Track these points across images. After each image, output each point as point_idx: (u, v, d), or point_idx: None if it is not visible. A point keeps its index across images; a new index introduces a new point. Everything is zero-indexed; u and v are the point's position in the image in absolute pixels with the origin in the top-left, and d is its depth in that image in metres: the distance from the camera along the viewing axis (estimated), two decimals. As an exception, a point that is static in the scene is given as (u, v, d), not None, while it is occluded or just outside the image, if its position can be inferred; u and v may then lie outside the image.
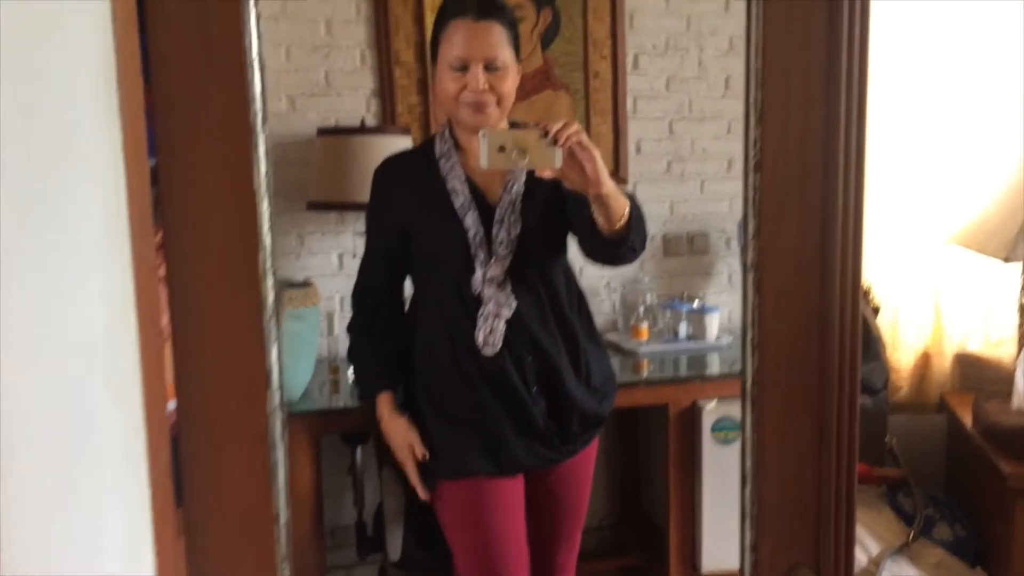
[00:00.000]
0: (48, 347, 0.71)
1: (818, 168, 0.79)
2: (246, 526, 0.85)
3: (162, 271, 0.83)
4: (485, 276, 1.82)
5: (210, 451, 0.83)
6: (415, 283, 1.98)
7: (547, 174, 1.59)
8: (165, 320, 0.86)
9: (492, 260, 1.82)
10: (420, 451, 1.90)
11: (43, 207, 0.71)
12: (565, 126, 1.55)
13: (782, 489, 0.85)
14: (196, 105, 0.76)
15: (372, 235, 1.99)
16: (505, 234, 1.82)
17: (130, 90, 0.74)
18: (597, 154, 1.59)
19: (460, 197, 1.83)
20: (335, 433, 2.74)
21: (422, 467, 1.91)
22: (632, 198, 1.73)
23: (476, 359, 1.84)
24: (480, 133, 1.56)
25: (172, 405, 0.88)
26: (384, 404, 1.95)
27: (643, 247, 1.78)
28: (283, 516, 0.85)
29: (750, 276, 0.81)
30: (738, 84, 3.22)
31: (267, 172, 0.78)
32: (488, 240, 1.83)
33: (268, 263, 0.80)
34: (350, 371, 2.59)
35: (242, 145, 0.78)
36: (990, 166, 2.80)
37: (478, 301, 1.83)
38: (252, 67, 0.75)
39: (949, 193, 2.87)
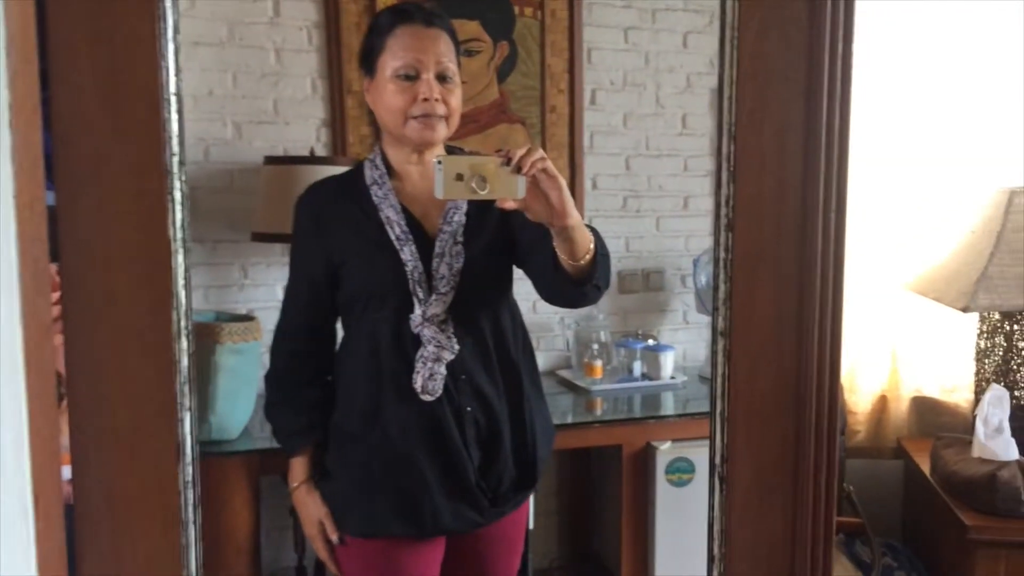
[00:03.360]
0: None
1: (796, 228, 0.73)
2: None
3: (59, 325, 0.74)
4: (425, 315, 1.65)
5: (110, 530, 0.73)
6: (344, 324, 1.79)
7: (509, 205, 1.41)
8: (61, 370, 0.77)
9: (432, 297, 1.65)
10: (332, 531, 1.73)
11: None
12: (528, 152, 1.39)
13: (752, 573, 0.77)
14: (102, 145, 0.67)
15: (296, 271, 1.79)
16: (447, 269, 1.66)
17: (24, 127, 0.65)
18: (563, 183, 1.42)
19: (396, 228, 1.66)
20: (275, 474, 2.63)
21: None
22: (595, 232, 1.56)
23: (409, 406, 1.66)
24: (435, 160, 1.38)
25: (67, 473, 0.78)
26: (298, 469, 1.77)
27: (607, 285, 1.60)
28: (197, 605, 0.75)
29: (720, 343, 0.74)
30: (695, 122, 3.21)
31: (184, 222, 0.69)
32: (428, 275, 1.66)
33: (183, 322, 0.71)
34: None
35: (157, 189, 0.69)
36: (948, 212, 2.79)
37: (416, 342, 1.66)
38: (168, 104, 0.67)
39: (907, 239, 2.85)
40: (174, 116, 0.68)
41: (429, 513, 1.68)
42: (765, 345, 0.74)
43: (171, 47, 0.68)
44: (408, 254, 1.65)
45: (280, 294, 2.81)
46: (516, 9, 2.96)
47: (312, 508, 1.75)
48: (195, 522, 0.74)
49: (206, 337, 2.30)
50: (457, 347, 1.67)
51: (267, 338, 2.68)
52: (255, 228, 2.62)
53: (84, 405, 0.75)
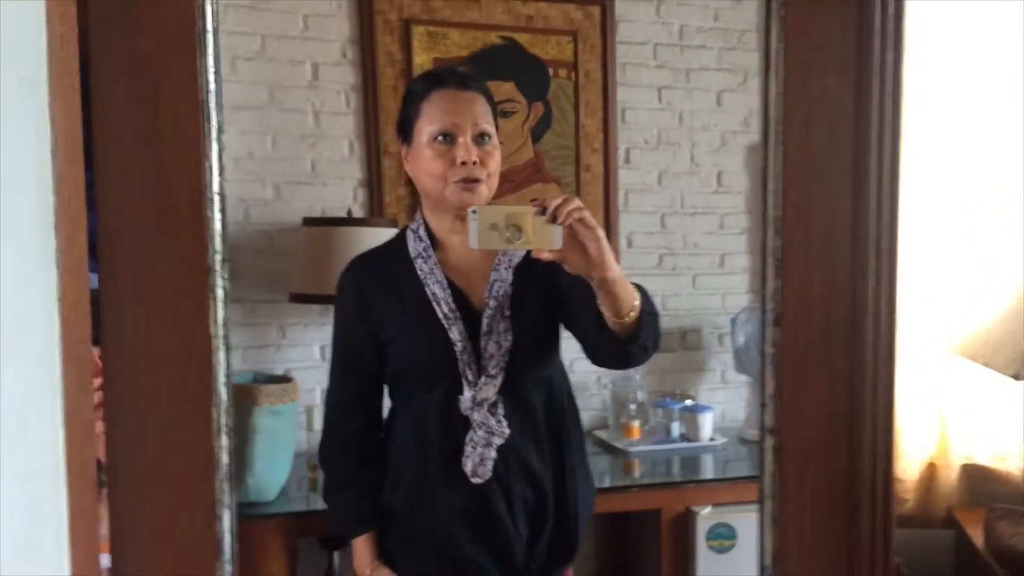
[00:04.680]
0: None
1: (845, 322, 0.71)
2: None
3: (100, 423, 0.74)
4: (475, 399, 1.62)
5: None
6: (392, 397, 1.77)
7: (545, 256, 1.39)
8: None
9: (482, 380, 1.62)
10: None
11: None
12: (565, 201, 1.36)
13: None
14: (147, 246, 0.68)
15: (343, 350, 1.76)
16: (495, 347, 1.62)
17: (70, 230, 0.65)
18: (601, 233, 1.39)
19: (443, 306, 1.63)
20: (312, 537, 2.62)
21: None
22: (642, 289, 1.53)
23: (458, 487, 1.64)
24: (470, 210, 1.38)
25: (105, 561, 0.78)
26: (363, 549, 1.74)
27: (656, 347, 1.55)
28: None
29: (768, 441, 0.72)
30: (729, 180, 3.21)
31: (225, 318, 0.69)
32: (476, 354, 1.63)
33: (223, 419, 0.71)
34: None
35: (198, 288, 0.69)
36: (995, 276, 2.73)
37: (466, 424, 1.63)
38: (212, 204, 0.67)
39: (953, 301, 2.79)
40: (217, 215, 0.68)
41: None
42: (816, 443, 0.72)
43: (215, 147, 0.68)
44: (456, 334, 1.62)
45: (317, 354, 2.84)
46: (550, 70, 2.99)
47: None
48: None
49: (244, 399, 2.31)
50: (507, 432, 1.63)
51: (304, 398, 2.70)
52: (293, 289, 2.65)
53: (123, 497, 0.75)
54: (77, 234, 0.67)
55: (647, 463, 2.79)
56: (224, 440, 0.72)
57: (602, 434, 2.98)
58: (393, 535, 1.72)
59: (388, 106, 2.80)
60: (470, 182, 1.59)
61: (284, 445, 2.44)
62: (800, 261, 0.69)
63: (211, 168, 0.68)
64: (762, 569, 0.74)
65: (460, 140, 1.60)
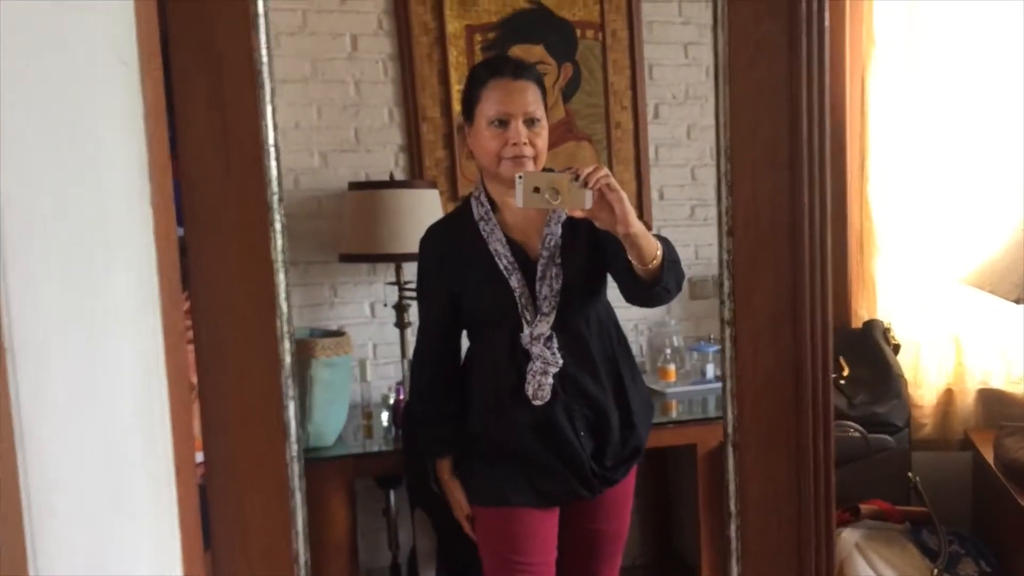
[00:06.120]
0: (85, 402, 0.79)
1: (785, 230, 0.86)
2: (269, 567, 0.92)
3: (190, 334, 0.92)
4: (532, 334, 1.89)
5: (234, 499, 0.91)
6: (470, 338, 2.06)
7: (578, 214, 1.69)
8: (193, 378, 0.95)
9: (538, 318, 1.90)
10: (466, 509, 2.02)
11: (84, 278, 0.80)
12: (595, 170, 1.66)
13: (764, 527, 0.91)
14: (218, 188, 0.85)
15: (425, 302, 2.07)
16: (548, 289, 1.90)
17: (160, 177, 0.83)
18: (624, 196, 1.68)
19: (503, 259, 1.91)
20: (369, 477, 2.81)
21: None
22: (666, 241, 1.82)
23: (526, 409, 1.91)
24: (517, 175, 1.66)
25: (200, 456, 0.96)
26: (444, 469, 2.04)
27: (678, 288, 1.86)
28: (303, 557, 0.92)
29: (727, 330, 0.88)
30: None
31: (283, 247, 0.87)
32: (533, 297, 1.91)
33: (285, 328, 0.88)
34: (384, 415, 2.69)
35: (261, 222, 0.86)
36: (1003, 205, 2.83)
37: (527, 356, 1.91)
38: (268, 153, 0.84)
39: (964, 231, 2.90)
40: (273, 163, 0.86)
41: (549, 489, 1.96)
42: (764, 332, 0.88)
43: (269, 108, 0.85)
44: (515, 281, 1.91)
45: (367, 311, 3.03)
46: (578, 32, 3.11)
47: (458, 495, 2.02)
48: (301, 490, 0.91)
49: (301, 352, 2.49)
50: (561, 361, 1.91)
51: (357, 352, 2.89)
52: (342, 250, 2.82)
53: (211, 400, 0.93)
54: (165, 181, 0.85)
55: (684, 403, 2.89)
56: (286, 345, 0.89)
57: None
58: (476, 453, 1.99)
59: (423, 73, 2.96)
60: (520, 159, 1.86)
61: (340, 395, 2.61)
62: (747, 181, 0.85)
63: (266, 125, 0.85)
64: (725, 436, 0.91)
65: (512, 124, 1.86)
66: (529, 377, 1.90)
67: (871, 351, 2.89)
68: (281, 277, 0.89)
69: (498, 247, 1.92)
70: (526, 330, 1.90)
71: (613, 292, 1.97)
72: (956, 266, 2.90)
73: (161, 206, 0.84)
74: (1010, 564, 2.62)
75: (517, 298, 1.90)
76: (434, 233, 2.05)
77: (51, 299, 0.73)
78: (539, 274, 1.91)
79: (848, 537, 2.65)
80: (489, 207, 1.96)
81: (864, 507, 2.75)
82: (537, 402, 1.90)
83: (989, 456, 2.72)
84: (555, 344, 1.90)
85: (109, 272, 0.82)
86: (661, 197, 3.24)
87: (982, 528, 2.86)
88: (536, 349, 1.89)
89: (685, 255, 3.17)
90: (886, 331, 2.93)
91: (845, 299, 3.02)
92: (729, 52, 0.84)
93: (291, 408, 0.91)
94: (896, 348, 2.92)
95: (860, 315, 3.02)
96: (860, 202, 3.02)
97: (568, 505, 2.02)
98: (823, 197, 0.86)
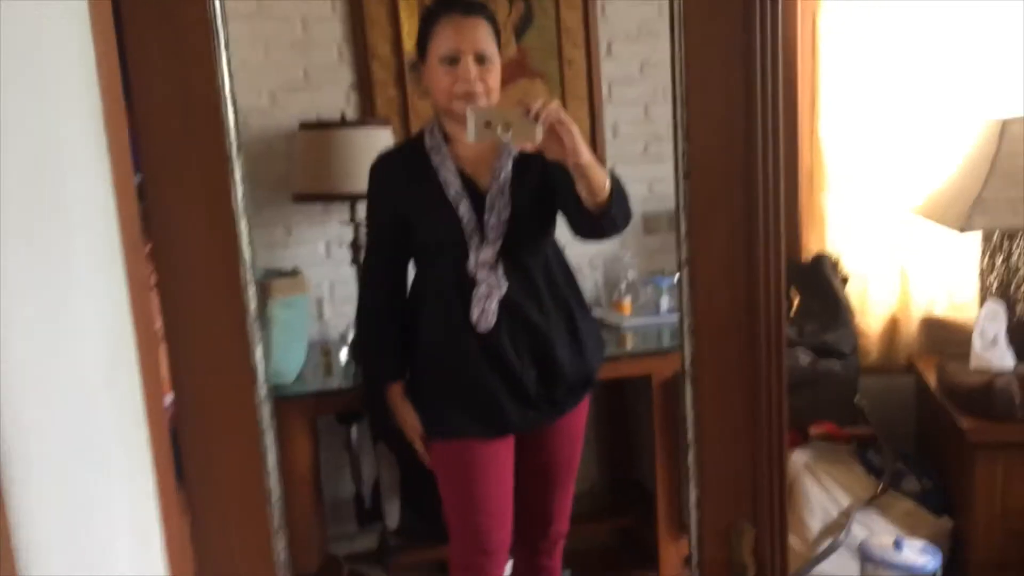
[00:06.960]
0: (53, 351, 0.80)
1: (739, 172, 0.89)
2: (243, 504, 0.95)
3: (154, 279, 0.93)
4: (478, 260, 1.93)
5: (205, 439, 0.93)
6: (416, 267, 2.09)
7: (528, 147, 1.70)
8: (159, 323, 0.96)
9: (484, 244, 1.93)
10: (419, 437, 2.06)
11: (43, 225, 0.79)
12: (545, 104, 1.67)
13: (721, 454, 0.96)
14: (177, 133, 0.85)
15: (373, 228, 2.11)
16: (495, 219, 1.94)
17: (114, 121, 0.83)
18: (575, 128, 1.71)
19: (452, 188, 1.95)
20: (330, 413, 2.84)
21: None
22: (613, 174, 1.84)
23: (472, 336, 1.95)
24: (468, 109, 1.68)
25: (169, 398, 0.98)
26: (395, 394, 2.08)
27: (626, 221, 1.90)
28: (275, 493, 0.95)
29: (684, 271, 0.91)
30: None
31: (243, 194, 0.87)
32: (480, 226, 1.94)
33: (249, 274, 0.89)
34: (343, 353, 2.71)
35: (220, 171, 0.87)
36: (950, 138, 2.89)
37: (473, 283, 1.95)
38: (226, 104, 0.84)
39: (913, 164, 2.96)
40: (230, 114, 0.86)
41: (498, 417, 2.01)
42: (720, 270, 0.91)
43: (223, 57, 0.85)
44: (463, 209, 1.94)
45: (322, 250, 3.02)
46: (530, -33, 3.07)
47: (411, 419, 2.07)
48: (272, 429, 0.93)
49: (258, 293, 2.48)
50: (506, 285, 1.95)
51: (314, 291, 2.89)
52: (295, 189, 2.80)
53: (177, 343, 0.94)
54: (121, 131, 0.84)
55: (639, 336, 2.94)
56: (251, 291, 0.91)
57: (596, 312, 3.14)
58: (426, 385, 2.05)
59: (372, 10, 2.91)
60: (471, 95, 1.88)
61: (298, 334, 2.63)
62: (702, 128, 0.87)
63: (222, 74, 0.85)
64: (683, 370, 0.94)
65: (463, 61, 1.88)
66: (474, 303, 1.94)
67: (821, 283, 2.96)
68: (242, 225, 0.90)
69: (448, 176, 1.95)
70: (472, 256, 1.94)
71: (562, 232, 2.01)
72: (904, 199, 2.96)
73: (119, 157, 0.84)
74: (949, 480, 2.75)
75: (464, 225, 1.93)
76: (384, 160, 2.08)
77: (12, 251, 0.73)
78: (488, 203, 1.94)
79: (797, 459, 2.75)
80: (442, 139, 1.98)
81: (813, 430, 2.85)
82: (482, 327, 1.94)
83: (931, 381, 2.82)
84: (500, 270, 1.95)
85: (69, 223, 0.82)
86: (615, 134, 3.25)
87: (924, 447, 2.99)
88: (481, 274, 1.94)
89: (639, 191, 3.22)
90: (835, 264, 3.00)
91: (796, 234, 3.07)
92: (685, 6, 0.85)
93: (258, 352, 0.93)
94: (845, 280, 2.99)
95: (810, 249, 3.08)
96: (811, 139, 3.06)
97: (521, 434, 2.08)
98: (776, 139, 0.89)
